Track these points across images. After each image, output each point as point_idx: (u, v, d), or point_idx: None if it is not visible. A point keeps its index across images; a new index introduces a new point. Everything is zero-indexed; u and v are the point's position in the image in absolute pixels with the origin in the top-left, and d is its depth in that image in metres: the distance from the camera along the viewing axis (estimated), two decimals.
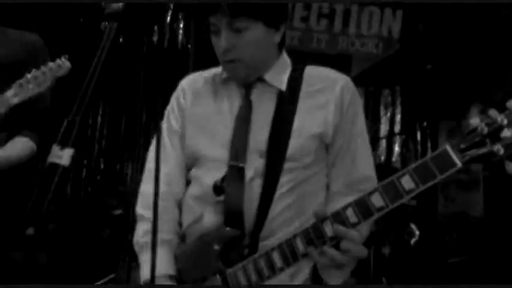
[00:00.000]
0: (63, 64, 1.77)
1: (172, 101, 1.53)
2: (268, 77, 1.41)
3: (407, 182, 1.09)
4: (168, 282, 1.33)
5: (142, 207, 1.44)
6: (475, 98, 3.70)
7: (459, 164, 1.05)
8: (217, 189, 1.33)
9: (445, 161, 1.06)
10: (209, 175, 1.36)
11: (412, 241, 3.29)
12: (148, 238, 1.31)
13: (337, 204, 1.19)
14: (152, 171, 1.37)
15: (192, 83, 1.53)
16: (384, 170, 3.42)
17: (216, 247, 1.28)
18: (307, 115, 1.36)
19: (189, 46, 4.33)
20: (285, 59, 1.47)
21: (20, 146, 1.90)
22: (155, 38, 4.36)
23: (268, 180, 1.31)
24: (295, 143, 1.32)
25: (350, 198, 1.16)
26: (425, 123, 4.09)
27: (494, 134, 1.02)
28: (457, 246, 3.47)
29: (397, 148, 4.07)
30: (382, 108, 4.21)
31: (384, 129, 4.14)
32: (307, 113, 1.36)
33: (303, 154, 1.34)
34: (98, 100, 4.19)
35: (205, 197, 1.36)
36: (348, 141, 1.38)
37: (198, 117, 1.45)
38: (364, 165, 1.40)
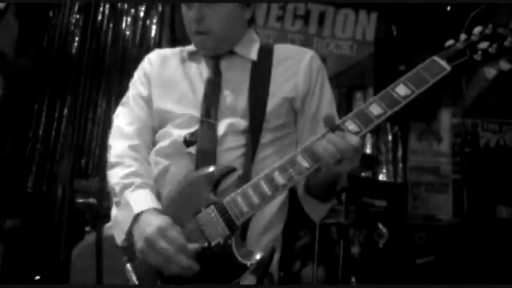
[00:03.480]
0: None
1: (138, 71, 1.54)
2: (237, 49, 1.46)
3: (402, 90, 1.17)
4: (154, 215, 1.24)
5: (115, 156, 1.38)
6: (446, 100, 3.73)
7: (448, 68, 1.19)
8: (188, 141, 1.33)
9: (435, 67, 1.19)
10: (178, 130, 1.37)
11: (381, 242, 3.26)
12: (133, 179, 1.32)
13: None
14: (120, 128, 1.43)
15: (158, 54, 1.56)
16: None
17: (208, 183, 1.24)
18: (280, 80, 1.41)
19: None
20: (253, 34, 1.52)
21: None
22: (127, 33, 4.29)
23: (252, 137, 1.33)
24: (270, 104, 1.37)
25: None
26: (396, 126, 4.10)
27: (472, 46, 1.22)
28: (425, 247, 3.46)
29: (368, 150, 4.06)
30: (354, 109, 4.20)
31: None
32: (279, 78, 1.41)
33: (275, 115, 1.37)
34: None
35: (173, 151, 1.36)
36: (318, 107, 1.42)
37: (165, 81, 1.47)
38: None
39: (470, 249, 3.25)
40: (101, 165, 3.87)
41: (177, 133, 1.36)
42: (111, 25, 4.28)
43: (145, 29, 4.32)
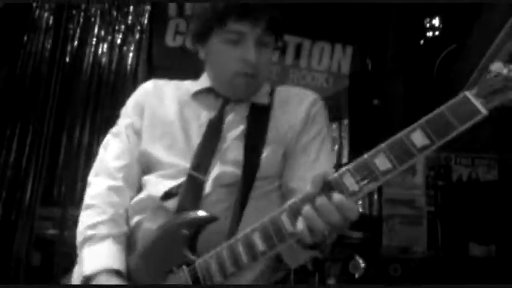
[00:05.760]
0: None
1: (131, 99, 1.41)
2: (254, 98, 1.35)
3: (419, 138, 0.89)
4: (112, 278, 1.08)
5: (90, 197, 1.26)
6: None
7: (484, 111, 0.86)
8: (167, 195, 1.19)
9: (466, 108, 0.86)
10: (161, 182, 1.23)
11: (357, 273, 3.25)
12: (96, 231, 1.17)
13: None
14: (105, 162, 1.31)
15: (154, 84, 1.42)
16: None
17: (185, 232, 1.07)
18: (277, 125, 1.30)
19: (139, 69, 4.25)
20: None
21: None
22: (103, 59, 4.26)
23: (243, 189, 1.19)
24: (265, 152, 1.25)
25: None
26: None
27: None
28: (400, 279, 3.46)
29: None
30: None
31: None
32: (277, 122, 1.30)
33: (269, 164, 1.25)
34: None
35: (147, 204, 1.22)
36: (311, 142, 1.29)
37: (158, 118, 1.33)
38: (329, 166, 1.27)
39: (444, 282, 3.27)
40: (67, 193, 3.82)
41: (159, 187, 1.22)
42: (87, 50, 4.25)
43: (122, 56, 4.30)
